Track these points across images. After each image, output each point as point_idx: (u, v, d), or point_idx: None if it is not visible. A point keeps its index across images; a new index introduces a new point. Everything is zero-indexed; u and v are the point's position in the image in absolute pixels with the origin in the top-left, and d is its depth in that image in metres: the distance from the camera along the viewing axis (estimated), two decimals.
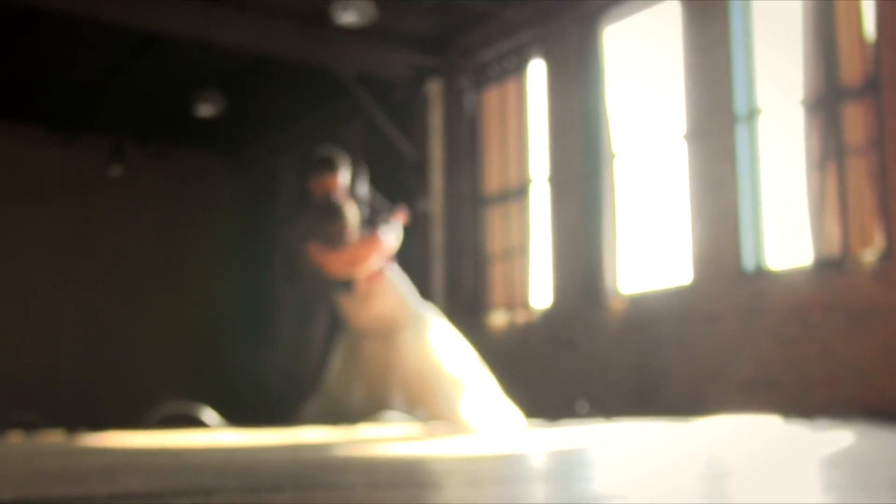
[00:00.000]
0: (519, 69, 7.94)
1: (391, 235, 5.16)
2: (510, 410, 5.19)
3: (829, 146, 5.62)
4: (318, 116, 9.83)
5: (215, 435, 4.58)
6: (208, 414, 5.59)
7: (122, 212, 10.61)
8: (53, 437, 4.66)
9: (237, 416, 6.05)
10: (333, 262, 5.07)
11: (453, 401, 5.06)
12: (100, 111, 9.84)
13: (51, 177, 10.29)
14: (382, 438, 3.94)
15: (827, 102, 5.66)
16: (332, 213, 5.01)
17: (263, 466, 2.38)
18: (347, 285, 5.12)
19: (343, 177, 5.18)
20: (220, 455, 2.93)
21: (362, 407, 4.99)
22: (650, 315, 6.64)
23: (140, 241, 10.70)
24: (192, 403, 5.72)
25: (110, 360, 10.32)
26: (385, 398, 4.99)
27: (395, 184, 7.93)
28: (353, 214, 5.05)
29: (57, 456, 3.10)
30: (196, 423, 5.50)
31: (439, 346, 5.19)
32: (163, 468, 2.41)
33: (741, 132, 6.15)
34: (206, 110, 8.81)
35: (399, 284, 5.26)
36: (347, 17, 7.02)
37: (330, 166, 5.16)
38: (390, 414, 4.91)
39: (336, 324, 5.49)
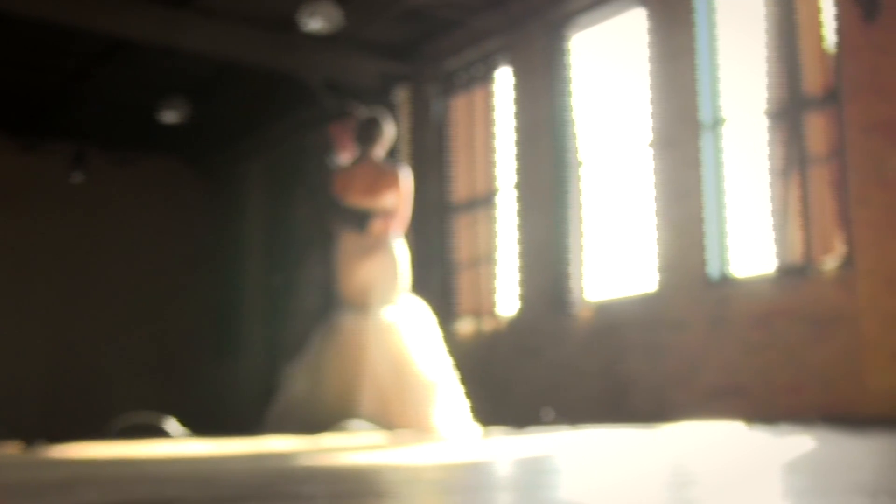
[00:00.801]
0: (486, 77, 7.95)
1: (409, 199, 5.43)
2: (469, 419, 5.19)
3: (792, 155, 5.69)
4: (285, 123, 9.78)
5: (178, 445, 4.52)
6: (171, 424, 5.53)
7: (84, 220, 10.47)
8: (11, 450, 4.57)
9: (203, 426, 5.98)
10: (356, 182, 5.28)
11: (425, 407, 5.03)
12: (62, 117, 9.72)
13: (11, 184, 10.13)
14: (346, 447, 3.91)
15: (790, 112, 5.74)
16: (370, 119, 5.46)
17: (226, 476, 2.35)
18: (362, 220, 5.20)
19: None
20: (183, 465, 2.90)
21: (329, 414, 4.95)
22: (617, 322, 6.67)
23: (103, 249, 10.56)
24: (154, 414, 5.65)
25: (74, 370, 10.17)
26: (353, 404, 4.95)
27: None
28: (390, 129, 5.44)
29: (14, 468, 3.05)
30: (158, 433, 5.44)
31: (416, 342, 5.17)
32: (123, 479, 2.38)
33: (706, 141, 6.21)
34: (171, 117, 8.74)
35: (400, 261, 5.32)
36: (314, 24, 6.99)
37: (352, 112, 5.75)
38: (356, 423, 4.88)
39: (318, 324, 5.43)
